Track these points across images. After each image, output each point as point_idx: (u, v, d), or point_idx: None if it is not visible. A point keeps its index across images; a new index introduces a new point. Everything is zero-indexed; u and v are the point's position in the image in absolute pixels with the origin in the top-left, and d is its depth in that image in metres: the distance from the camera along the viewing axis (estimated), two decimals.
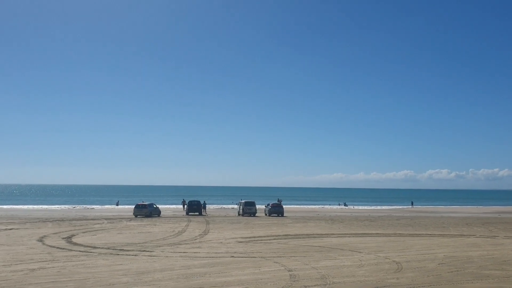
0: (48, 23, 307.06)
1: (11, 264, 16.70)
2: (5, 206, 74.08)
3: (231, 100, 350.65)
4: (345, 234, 30.04)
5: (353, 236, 28.44)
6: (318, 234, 29.29)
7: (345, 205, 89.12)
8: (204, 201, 57.42)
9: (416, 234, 30.53)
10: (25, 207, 72.62)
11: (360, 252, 20.77)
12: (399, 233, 30.93)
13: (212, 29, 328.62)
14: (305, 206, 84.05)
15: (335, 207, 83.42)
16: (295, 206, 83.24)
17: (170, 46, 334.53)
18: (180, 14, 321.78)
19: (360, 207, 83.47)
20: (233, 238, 26.39)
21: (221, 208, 71.97)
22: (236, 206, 67.08)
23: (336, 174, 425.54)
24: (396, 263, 17.55)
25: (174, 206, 74.19)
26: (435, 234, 30.30)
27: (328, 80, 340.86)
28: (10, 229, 31.20)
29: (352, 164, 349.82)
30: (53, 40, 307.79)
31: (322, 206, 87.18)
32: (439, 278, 14.60)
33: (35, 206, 74.82)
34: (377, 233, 30.72)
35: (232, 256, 18.91)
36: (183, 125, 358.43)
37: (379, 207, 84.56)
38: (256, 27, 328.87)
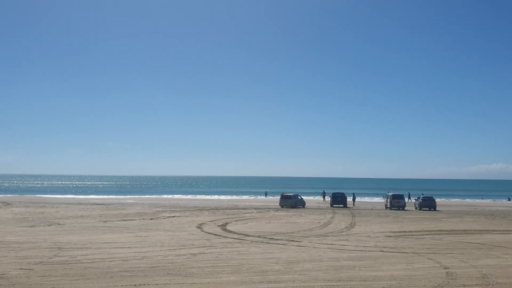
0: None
1: (175, 249, 18.58)
2: (166, 196, 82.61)
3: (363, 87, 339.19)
4: (509, 230, 27.18)
5: None
6: (476, 230, 26.98)
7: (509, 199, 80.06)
8: (353, 194, 56.81)
9: None
10: (183, 197, 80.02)
11: None
12: None
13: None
14: (460, 200, 77.94)
15: (499, 201, 75.59)
16: (448, 199, 77.68)
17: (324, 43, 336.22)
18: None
19: None
20: (382, 232, 25.70)
21: (365, 200, 70.51)
22: (382, 200, 65.05)
23: (495, 165, 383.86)
24: None
25: (311, 197, 74.43)
26: None
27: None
28: (173, 216, 34.71)
29: None
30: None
31: (480, 199, 79.90)
32: None
33: (191, 196, 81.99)
34: None
35: (382, 251, 18.44)
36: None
37: None
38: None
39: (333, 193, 52.95)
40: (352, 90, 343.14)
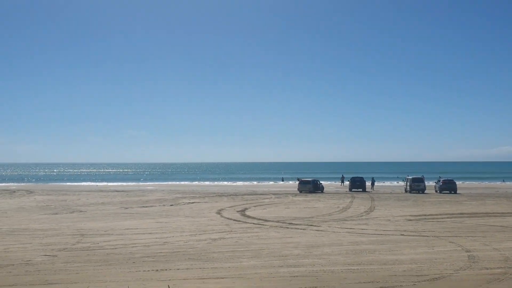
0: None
1: (196, 234, 18.81)
2: (185, 182, 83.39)
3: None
4: None
5: None
6: (499, 213, 26.62)
7: None
8: (372, 178, 56.38)
9: None
10: (202, 183, 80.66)
11: None
12: None
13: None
14: (481, 183, 76.91)
15: None
16: (468, 182, 76.76)
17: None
18: None
19: None
20: (402, 215, 25.56)
21: (384, 184, 70.06)
22: (402, 183, 64.53)
23: None
24: None
25: (329, 182, 73.86)
26: None
27: None
28: (193, 202, 35.06)
29: None
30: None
31: (502, 182, 78.72)
32: None
33: (209, 182, 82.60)
34: None
35: (402, 234, 18.36)
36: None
37: None
38: None
39: (352, 177, 52.63)
40: (368, 71, 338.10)
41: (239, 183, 79.79)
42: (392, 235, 18.26)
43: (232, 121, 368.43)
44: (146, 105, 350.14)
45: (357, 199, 37.95)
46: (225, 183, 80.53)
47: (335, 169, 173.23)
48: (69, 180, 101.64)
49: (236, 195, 43.46)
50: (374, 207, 30.41)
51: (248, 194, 44.16)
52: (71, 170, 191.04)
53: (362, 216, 25.51)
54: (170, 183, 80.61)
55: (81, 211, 28.86)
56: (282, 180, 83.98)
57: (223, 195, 42.78)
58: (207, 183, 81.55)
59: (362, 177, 52.30)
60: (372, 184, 54.30)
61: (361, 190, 49.59)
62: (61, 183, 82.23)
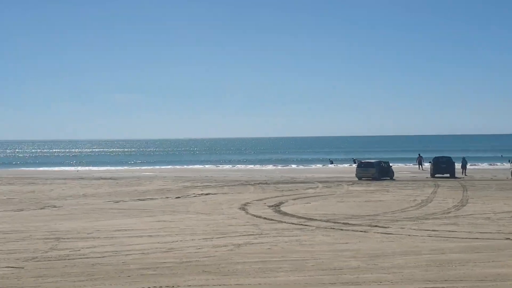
0: None
1: (212, 238, 19.04)
2: (195, 166, 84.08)
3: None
4: None
5: None
6: None
7: None
8: (463, 158, 55.39)
9: None
10: (219, 167, 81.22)
11: None
12: None
13: None
14: None
15: None
16: None
17: None
18: None
19: None
20: (507, 211, 25.30)
21: (479, 167, 69.11)
22: (507, 165, 63.46)
23: None
24: None
25: (401, 164, 72.77)
26: None
27: None
28: (207, 194, 35.46)
29: None
30: None
31: None
32: None
33: (229, 166, 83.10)
34: None
35: (508, 238, 18.20)
36: None
37: None
38: None
39: (435, 157, 52.10)
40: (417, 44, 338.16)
41: (271, 166, 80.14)
42: (494, 239, 18.13)
43: (259, 81, 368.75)
44: (141, 63, 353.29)
45: (442, 188, 37.68)
46: (251, 166, 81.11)
47: (407, 146, 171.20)
48: (38, 164, 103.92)
49: (267, 183, 43.68)
50: (467, 200, 30.19)
51: (283, 182, 44.33)
52: (39, 150, 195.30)
53: (449, 212, 25.39)
54: (175, 167, 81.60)
55: (55, 206, 29.55)
56: (331, 163, 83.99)
57: (249, 184, 43.07)
58: (226, 166, 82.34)
59: (449, 157, 51.67)
60: (463, 166, 53.52)
61: (448, 175, 49.12)
62: (27, 168, 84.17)
